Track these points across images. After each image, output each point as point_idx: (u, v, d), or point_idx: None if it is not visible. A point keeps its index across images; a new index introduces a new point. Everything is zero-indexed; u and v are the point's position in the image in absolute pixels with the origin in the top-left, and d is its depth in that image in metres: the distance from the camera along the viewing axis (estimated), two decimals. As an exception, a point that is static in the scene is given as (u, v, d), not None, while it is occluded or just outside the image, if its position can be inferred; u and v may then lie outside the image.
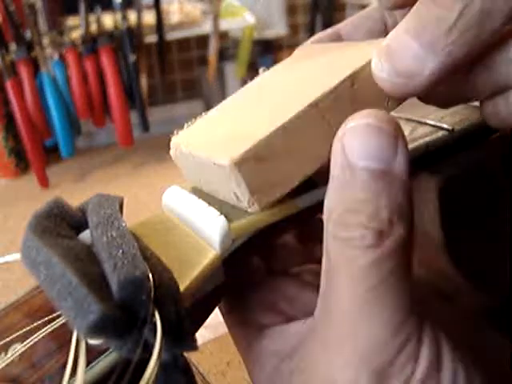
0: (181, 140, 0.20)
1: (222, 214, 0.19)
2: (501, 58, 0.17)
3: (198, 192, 0.21)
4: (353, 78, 0.18)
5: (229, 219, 0.19)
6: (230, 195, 0.18)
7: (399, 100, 0.19)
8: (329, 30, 0.24)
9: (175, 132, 0.21)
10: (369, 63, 0.18)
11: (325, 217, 0.16)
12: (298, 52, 0.24)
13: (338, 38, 0.24)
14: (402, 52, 0.16)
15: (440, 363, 0.15)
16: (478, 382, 0.16)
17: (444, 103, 0.21)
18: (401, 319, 0.15)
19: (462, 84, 0.18)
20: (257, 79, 0.23)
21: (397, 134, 0.16)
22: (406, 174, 0.16)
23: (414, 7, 0.17)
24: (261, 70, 0.24)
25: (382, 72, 0.17)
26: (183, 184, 0.22)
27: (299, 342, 0.18)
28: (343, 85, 0.18)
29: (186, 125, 0.22)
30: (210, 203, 0.19)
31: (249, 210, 0.18)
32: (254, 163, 0.17)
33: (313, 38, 0.25)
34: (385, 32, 0.24)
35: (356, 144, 0.15)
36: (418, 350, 0.15)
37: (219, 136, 0.19)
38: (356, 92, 0.18)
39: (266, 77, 0.23)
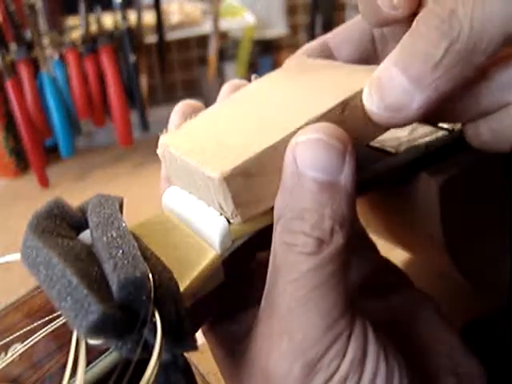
0: (170, 141, 0.20)
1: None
2: (485, 86, 0.18)
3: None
4: (344, 105, 0.18)
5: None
6: (215, 204, 0.18)
7: (385, 127, 0.20)
8: (315, 42, 0.25)
9: (164, 131, 0.21)
10: (360, 92, 0.18)
11: (274, 219, 0.18)
12: (289, 63, 0.24)
13: (326, 50, 0.24)
14: (390, 85, 0.17)
15: (364, 360, 0.17)
16: (400, 379, 0.17)
17: (425, 121, 0.23)
18: (335, 318, 0.16)
19: (444, 109, 0.18)
20: (248, 87, 0.23)
21: (345, 149, 0.17)
22: (352, 186, 0.17)
23: (403, 39, 0.17)
24: (253, 77, 0.24)
25: (372, 105, 0.18)
26: None
27: (250, 328, 0.19)
28: (334, 110, 0.18)
29: (171, 120, 0.22)
30: (210, 204, 0.19)
31: (231, 221, 0.18)
32: (242, 179, 0.17)
33: (301, 50, 0.25)
34: (372, 42, 0.24)
35: (306, 155, 0.16)
36: (347, 346, 0.17)
37: (209, 145, 0.19)
38: (346, 117, 0.18)
39: (258, 86, 0.23)
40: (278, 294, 0.17)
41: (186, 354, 0.16)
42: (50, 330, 0.16)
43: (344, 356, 0.16)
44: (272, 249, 0.18)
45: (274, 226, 0.17)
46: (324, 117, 0.18)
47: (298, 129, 0.17)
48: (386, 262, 0.27)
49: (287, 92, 0.21)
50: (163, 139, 0.20)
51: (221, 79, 1.29)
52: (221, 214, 0.19)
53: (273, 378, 0.17)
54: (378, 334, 0.18)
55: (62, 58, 0.88)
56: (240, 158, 0.17)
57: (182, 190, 0.21)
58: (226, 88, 0.24)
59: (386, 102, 0.17)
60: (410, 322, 0.21)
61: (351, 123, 0.19)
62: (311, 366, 0.16)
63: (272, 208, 0.18)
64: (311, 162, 0.16)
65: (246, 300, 0.22)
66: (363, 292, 0.20)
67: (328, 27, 1.35)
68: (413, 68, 0.17)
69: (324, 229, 0.16)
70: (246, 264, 0.20)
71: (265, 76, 0.24)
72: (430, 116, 0.18)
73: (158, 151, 0.21)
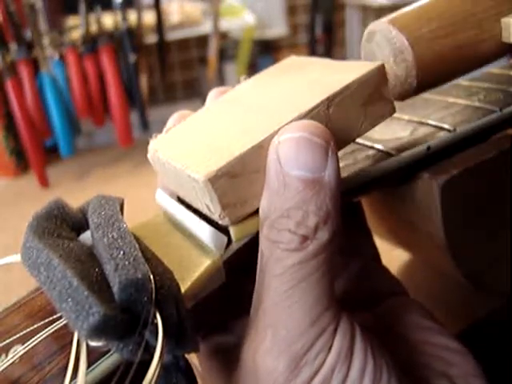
0: (158, 146, 0.20)
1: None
2: None
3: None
4: (329, 101, 0.18)
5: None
6: (203, 206, 0.18)
7: (373, 123, 0.20)
8: None
9: (154, 136, 0.21)
10: (346, 88, 0.18)
11: (260, 219, 0.18)
12: (281, 63, 0.24)
13: None
14: None
15: (351, 355, 0.17)
16: (388, 378, 0.17)
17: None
18: (318, 312, 0.17)
19: None
20: (236, 88, 0.23)
21: (327, 146, 0.17)
22: (336, 183, 0.17)
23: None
24: (241, 79, 0.24)
25: None
26: None
27: (242, 335, 0.19)
28: (319, 107, 0.18)
29: (164, 129, 0.22)
30: (198, 206, 0.19)
31: (220, 223, 0.18)
32: (227, 179, 0.17)
33: None
34: None
35: (290, 154, 0.17)
36: (332, 340, 0.17)
37: (195, 147, 0.19)
38: (331, 114, 0.18)
39: (245, 87, 0.23)
40: (264, 290, 0.17)
41: (187, 355, 0.16)
42: (50, 332, 0.16)
43: (330, 350, 0.17)
44: (259, 248, 0.18)
45: (260, 226, 0.18)
46: (309, 114, 0.18)
47: (281, 127, 0.17)
48: (376, 266, 0.27)
49: (273, 92, 0.21)
50: (152, 144, 0.21)
51: (221, 79, 1.29)
52: (204, 219, 0.19)
53: (259, 374, 0.17)
54: (365, 332, 0.18)
55: (62, 58, 0.88)
56: (224, 159, 0.17)
57: (168, 196, 0.21)
58: (212, 94, 0.24)
59: None
60: (395, 328, 0.21)
61: (337, 119, 0.19)
62: (296, 361, 0.16)
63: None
64: (294, 161, 0.17)
65: (238, 309, 0.22)
66: (347, 302, 0.20)
67: (328, 27, 1.35)
68: None
69: (308, 225, 0.16)
70: (247, 265, 0.20)
71: (253, 77, 0.24)
72: None
73: (148, 156, 0.21)
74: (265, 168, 0.17)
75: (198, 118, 0.22)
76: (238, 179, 0.17)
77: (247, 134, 0.18)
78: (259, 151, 0.17)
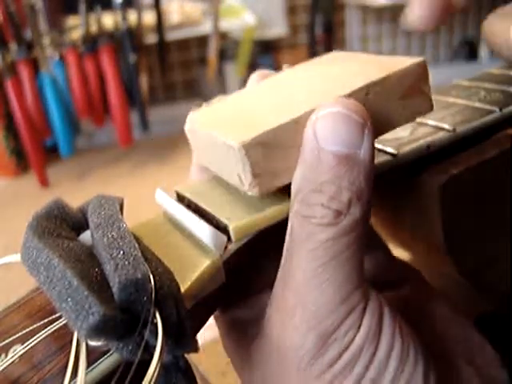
0: (197, 117, 0.21)
1: (221, 217, 0.19)
2: None
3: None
4: (369, 88, 0.19)
5: (230, 220, 0.19)
6: (234, 176, 0.19)
7: (410, 117, 0.20)
8: None
9: (195, 108, 0.22)
10: (386, 78, 0.19)
11: (292, 196, 0.18)
12: (324, 56, 0.25)
13: None
14: None
15: (379, 334, 0.17)
16: (415, 358, 0.17)
17: None
18: (349, 290, 0.17)
19: None
20: (279, 74, 0.24)
21: (365, 124, 0.17)
22: (370, 160, 0.17)
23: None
24: (285, 66, 0.25)
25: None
26: (181, 185, 0.22)
27: (262, 311, 0.19)
28: (358, 93, 0.19)
29: (204, 104, 0.23)
30: (229, 178, 0.20)
31: (249, 194, 0.19)
32: (261, 149, 0.17)
33: None
34: None
35: (327, 129, 0.17)
36: (361, 318, 0.17)
37: (233, 119, 0.20)
38: (369, 103, 0.19)
39: (287, 73, 0.24)
40: (294, 267, 0.17)
41: (186, 355, 0.16)
42: (50, 332, 0.16)
43: (359, 328, 0.17)
44: (289, 227, 0.18)
45: (292, 201, 0.18)
46: (348, 97, 0.18)
47: (319, 105, 0.18)
48: (394, 257, 0.27)
49: (314, 77, 0.22)
50: (192, 115, 0.22)
51: (221, 79, 1.29)
52: (204, 219, 0.19)
53: (286, 351, 0.17)
54: (393, 312, 0.18)
55: (62, 57, 0.88)
56: (260, 130, 0.18)
57: (168, 195, 0.21)
58: (254, 77, 0.25)
59: None
60: (422, 311, 0.21)
61: (375, 107, 0.19)
62: (325, 338, 0.16)
63: (285, 189, 0.18)
64: (331, 136, 0.17)
65: (258, 285, 0.22)
66: (374, 285, 0.20)
67: (328, 27, 1.35)
68: None
69: (342, 200, 0.16)
70: (247, 265, 0.20)
71: (296, 66, 0.24)
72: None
73: (186, 127, 0.22)
74: (300, 144, 0.18)
75: (238, 97, 0.23)
76: (272, 151, 0.18)
77: (285, 111, 0.19)
78: (295, 127, 0.18)
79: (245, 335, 0.20)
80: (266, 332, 0.18)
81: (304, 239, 0.17)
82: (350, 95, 0.18)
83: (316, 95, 0.19)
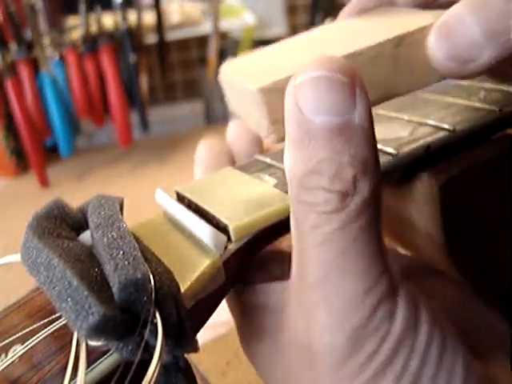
0: (230, 66, 0.22)
1: (221, 217, 0.19)
2: None
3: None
4: (399, 40, 0.18)
5: (230, 220, 0.19)
6: (254, 124, 0.19)
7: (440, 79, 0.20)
8: None
9: (229, 59, 0.23)
10: (418, 30, 0.18)
11: (287, 179, 0.16)
12: (369, 11, 0.25)
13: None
14: (461, 35, 0.16)
15: (417, 324, 0.15)
16: (455, 350, 0.15)
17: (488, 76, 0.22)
18: (372, 280, 0.15)
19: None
20: (316, 29, 0.24)
21: (353, 82, 0.14)
22: (368, 123, 0.15)
23: None
24: (327, 21, 0.25)
25: (438, 51, 0.17)
26: (181, 185, 0.22)
27: (282, 300, 0.18)
28: (388, 43, 0.18)
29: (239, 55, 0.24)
30: (252, 124, 0.21)
31: (267, 140, 0.19)
32: (280, 95, 0.16)
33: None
34: None
35: (310, 98, 0.14)
36: (393, 310, 0.15)
37: (261, 67, 0.20)
38: (400, 53, 0.18)
39: (326, 27, 0.24)
40: (307, 262, 0.15)
41: (186, 355, 0.16)
42: (50, 332, 0.16)
43: (393, 319, 0.15)
44: (291, 214, 0.16)
45: (289, 188, 0.15)
46: (375, 48, 0.18)
47: (345, 55, 0.18)
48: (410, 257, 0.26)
49: (349, 30, 0.22)
50: (225, 65, 0.22)
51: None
52: (204, 219, 0.19)
53: (317, 354, 0.15)
54: (426, 299, 0.16)
55: (62, 57, 0.88)
56: (281, 76, 0.18)
57: (168, 195, 0.21)
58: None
59: (454, 52, 0.16)
60: (443, 304, 0.20)
61: (406, 61, 0.19)
62: (357, 335, 0.14)
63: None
64: (317, 104, 0.14)
65: (275, 272, 0.20)
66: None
67: (328, 27, 1.35)
68: (491, 22, 0.15)
69: (345, 179, 0.14)
70: (247, 265, 0.20)
71: (335, 21, 0.24)
72: (493, 73, 0.17)
73: (220, 77, 0.22)
74: None
75: (271, 49, 0.23)
76: None
77: (309, 59, 0.18)
78: None
79: (262, 323, 0.18)
80: (290, 329, 0.16)
81: (310, 231, 0.15)
82: (377, 45, 0.18)
83: (344, 44, 0.19)
